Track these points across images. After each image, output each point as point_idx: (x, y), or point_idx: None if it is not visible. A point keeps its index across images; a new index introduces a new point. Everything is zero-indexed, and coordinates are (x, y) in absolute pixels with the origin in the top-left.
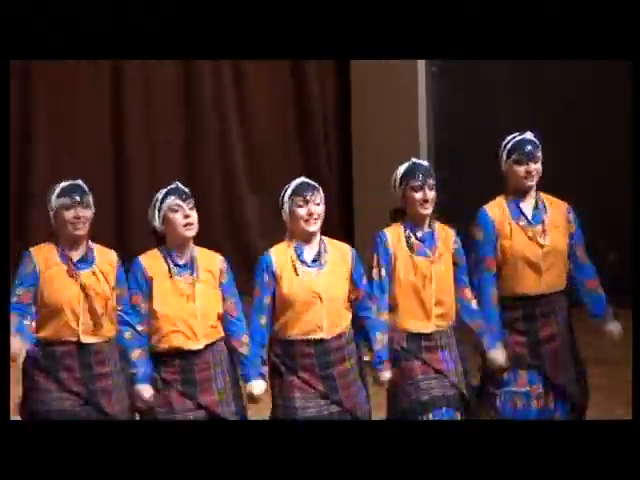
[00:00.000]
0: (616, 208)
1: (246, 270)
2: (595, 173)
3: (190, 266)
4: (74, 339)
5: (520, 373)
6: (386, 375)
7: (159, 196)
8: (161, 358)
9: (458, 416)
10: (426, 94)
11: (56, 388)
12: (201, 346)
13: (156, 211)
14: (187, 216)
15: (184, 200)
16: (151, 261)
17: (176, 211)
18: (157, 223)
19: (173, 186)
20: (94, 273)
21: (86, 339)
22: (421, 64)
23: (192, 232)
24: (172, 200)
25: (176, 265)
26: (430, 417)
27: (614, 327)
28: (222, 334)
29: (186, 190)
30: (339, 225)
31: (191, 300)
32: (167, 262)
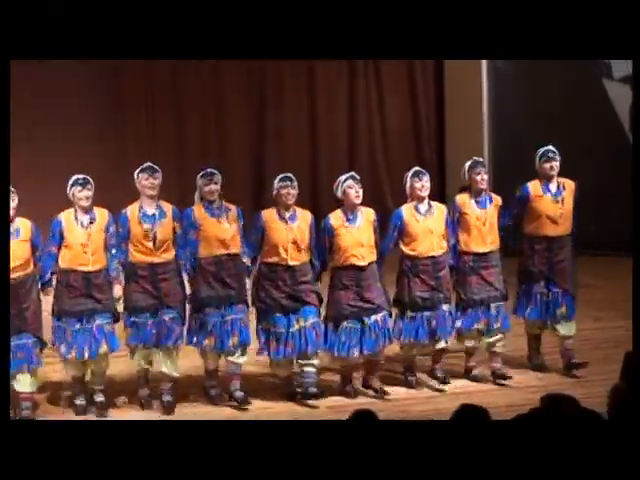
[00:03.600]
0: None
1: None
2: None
3: (357, 218)
4: (284, 263)
5: (541, 282)
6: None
7: (342, 178)
8: (343, 270)
9: (502, 306)
10: (487, 97)
11: (273, 287)
12: (365, 263)
13: (339, 187)
14: (357, 192)
15: (356, 182)
16: (335, 215)
17: (351, 188)
18: (339, 194)
19: (351, 174)
20: (296, 225)
21: (292, 262)
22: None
23: (359, 201)
24: (348, 184)
25: (348, 219)
26: (484, 308)
27: None
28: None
29: (357, 177)
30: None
31: (359, 237)
32: (344, 215)
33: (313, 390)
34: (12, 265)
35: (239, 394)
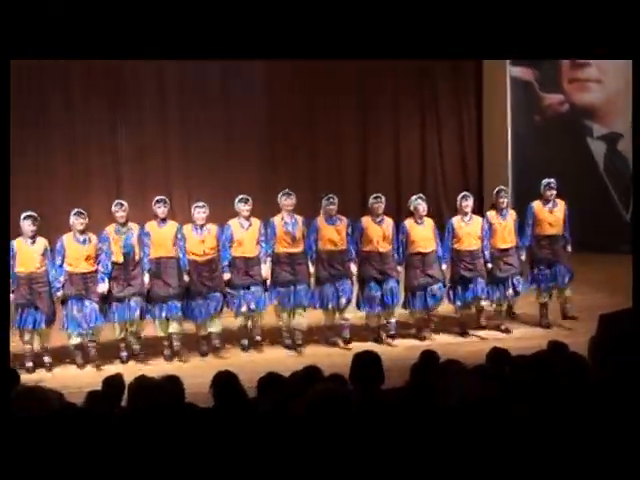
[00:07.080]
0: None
1: None
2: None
3: (424, 223)
4: (376, 250)
5: (546, 265)
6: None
7: (413, 198)
8: (412, 256)
9: (520, 280)
10: (511, 145)
11: (370, 266)
12: (428, 250)
13: (411, 204)
14: (424, 208)
15: (423, 201)
16: (409, 222)
17: (420, 205)
18: (411, 208)
19: (420, 195)
20: (384, 226)
21: (381, 250)
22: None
23: (425, 213)
24: (418, 202)
25: (416, 222)
26: (509, 280)
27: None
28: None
29: (424, 197)
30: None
31: (424, 231)
32: (414, 221)
33: (393, 333)
34: (203, 251)
35: (347, 336)
